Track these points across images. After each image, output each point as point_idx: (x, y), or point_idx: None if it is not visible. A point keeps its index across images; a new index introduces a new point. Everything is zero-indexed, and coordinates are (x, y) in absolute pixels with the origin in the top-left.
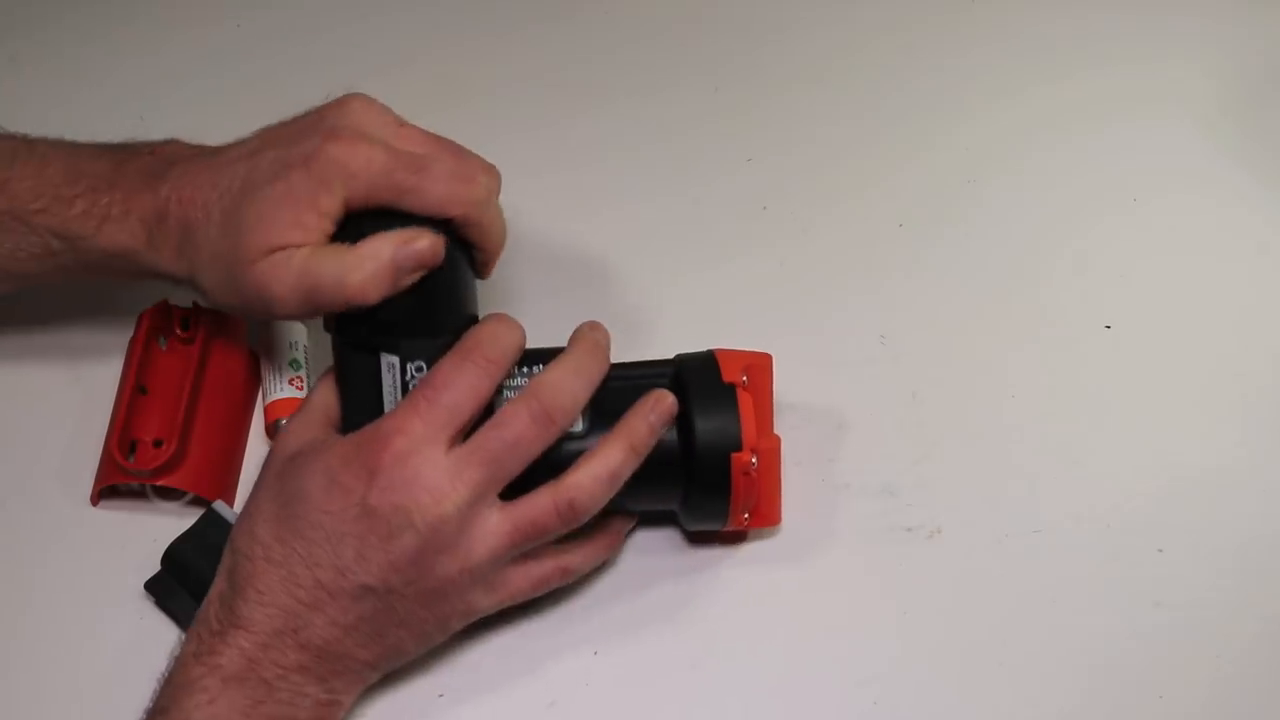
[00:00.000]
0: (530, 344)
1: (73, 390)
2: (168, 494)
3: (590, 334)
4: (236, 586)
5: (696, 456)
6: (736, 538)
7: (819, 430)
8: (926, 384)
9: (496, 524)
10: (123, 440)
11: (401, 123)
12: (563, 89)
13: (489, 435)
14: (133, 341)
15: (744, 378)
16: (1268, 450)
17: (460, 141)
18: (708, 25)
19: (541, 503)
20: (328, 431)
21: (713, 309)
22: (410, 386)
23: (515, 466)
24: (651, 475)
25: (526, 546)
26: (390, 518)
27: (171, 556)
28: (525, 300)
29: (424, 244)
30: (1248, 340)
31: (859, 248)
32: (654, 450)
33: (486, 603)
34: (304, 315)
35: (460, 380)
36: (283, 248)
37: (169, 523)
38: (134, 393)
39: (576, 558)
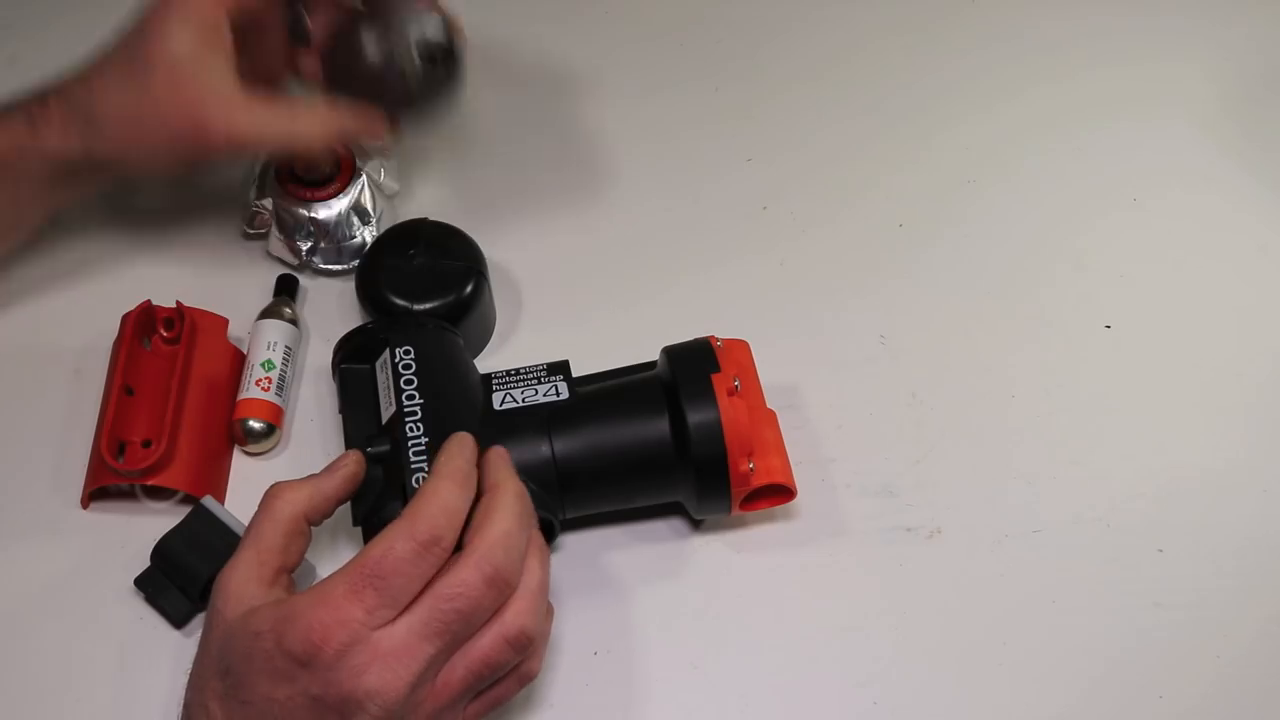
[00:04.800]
0: (527, 344)
1: (60, 394)
2: (157, 494)
3: (510, 479)
4: None
5: (678, 388)
6: (748, 500)
7: (819, 430)
8: (926, 384)
9: (446, 677)
10: (111, 442)
11: None
12: (563, 89)
13: (443, 608)
14: (117, 344)
15: (719, 343)
16: (1268, 450)
17: (460, 142)
18: (708, 25)
19: (488, 641)
20: (269, 588)
21: (713, 309)
22: (399, 368)
23: (468, 634)
24: (645, 462)
25: (484, 684)
26: (341, 707)
27: (161, 551)
28: (525, 300)
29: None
30: (1248, 340)
31: (859, 248)
32: (643, 439)
33: None
34: (236, 150)
35: (406, 567)
36: (196, 71)
37: (159, 523)
38: (121, 394)
39: (535, 661)
